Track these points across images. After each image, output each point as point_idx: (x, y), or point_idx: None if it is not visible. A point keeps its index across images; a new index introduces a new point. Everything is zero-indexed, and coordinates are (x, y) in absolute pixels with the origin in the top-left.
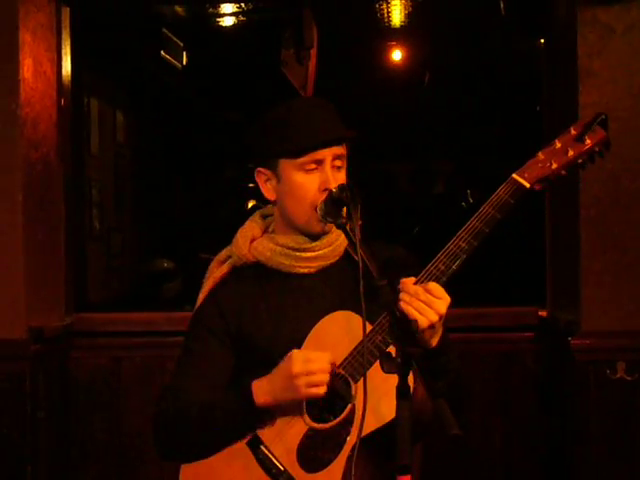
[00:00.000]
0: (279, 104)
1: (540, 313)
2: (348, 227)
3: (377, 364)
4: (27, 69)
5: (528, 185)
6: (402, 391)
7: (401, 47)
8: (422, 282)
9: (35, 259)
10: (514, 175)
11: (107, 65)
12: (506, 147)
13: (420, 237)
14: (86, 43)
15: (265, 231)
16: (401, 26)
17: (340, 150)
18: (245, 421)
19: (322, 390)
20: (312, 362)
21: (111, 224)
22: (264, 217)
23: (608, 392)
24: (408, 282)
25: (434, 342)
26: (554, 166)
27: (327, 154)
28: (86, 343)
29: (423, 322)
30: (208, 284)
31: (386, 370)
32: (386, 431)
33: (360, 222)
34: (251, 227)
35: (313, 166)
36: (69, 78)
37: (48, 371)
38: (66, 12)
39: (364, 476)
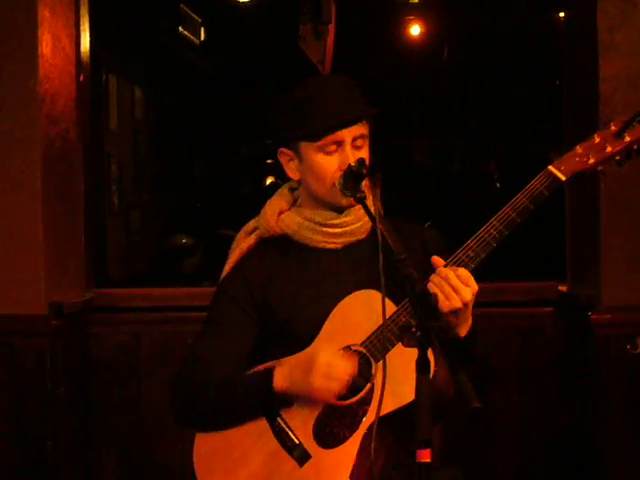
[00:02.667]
0: (297, 83)
1: (560, 288)
2: (367, 201)
3: (399, 346)
4: (46, 45)
5: (564, 178)
6: (422, 365)
7: (419, 22)
8: (451, 266)
9: (55, 235)
10: (550, 167)
11: (125, 41)
12: (525, 121)
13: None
14: (104, 19)
15: (293, 204)
16: (419, 1)
17: (360, 130)
18: (263, 402)
19: (333, 399)
20: (334, 368)
21: (130, 200)
22: (292, 190)
23: (628, 367)
24: (437, 263)
25: (463, 332)
26: (591, 161)
27: (346, 134)
28: (106, 318)
29: (447, 306)
30: (235, 254)
31: (406, 344)
32: (404, 413)
33: (379, 196)
34: (279, 200)
35: (333, 147)
36: (88, 54)
37: (68, 347)
38: None
39: (380, 455)
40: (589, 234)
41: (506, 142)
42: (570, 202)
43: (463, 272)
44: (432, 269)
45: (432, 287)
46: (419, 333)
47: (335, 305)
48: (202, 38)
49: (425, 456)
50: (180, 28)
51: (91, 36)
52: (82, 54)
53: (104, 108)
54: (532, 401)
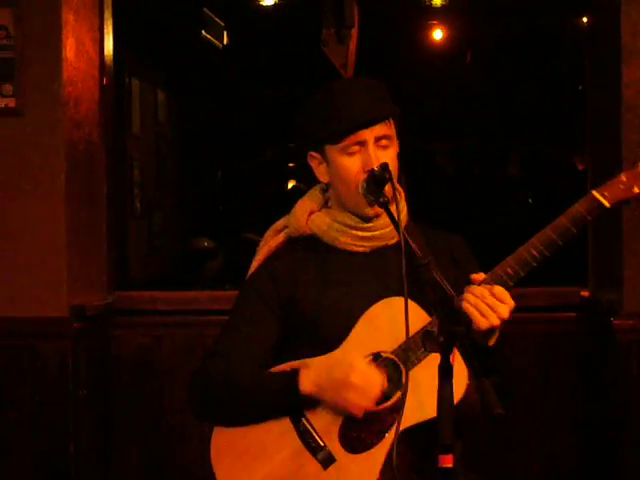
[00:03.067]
0: (322, 87)
1: (582, 293)
2: (391, 206)
3: (431, 356)
4: (70, 49)
5: (609, 205)
6: (444, 370)
7: (442, 26)
8: (488, 284)
9: (77, 238)
10: (594, 192)
11: (149, 45)
12: (549, 126)
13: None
14: (128, 23)
15: (324, 206)
16: (442, 5)
17: (383, 130)
18: (287, 403)
19: (361, 414)
20: (369, 385)
21: (152, 203)
22: (324, 191)
23: None
24: (475, 279)
25: (491, 342)
26: (636, 190)
27: (368, 134)
28: (127, 321)
29: (484, 324)
30: (263, 252)
31: (429, 349)
32: (431, 425)
33: (406, 201)
34: (310, 200)
35: (356, 148)
36: (111, 58)
37: (89, 349)
38: None
39: (403, 466)
40: (612, 239)
41: (529, 146)
42: None
43: (499, 290)
44: (463, 279)
45: (467, 307)
46: (442, 338)
47: (361, 308)
48: (225, 42)
49: (447, 461)
50: (203, 32)
51: (115, 40)
52: (106, 58)
53: (127, 111)
54: (554, 406)
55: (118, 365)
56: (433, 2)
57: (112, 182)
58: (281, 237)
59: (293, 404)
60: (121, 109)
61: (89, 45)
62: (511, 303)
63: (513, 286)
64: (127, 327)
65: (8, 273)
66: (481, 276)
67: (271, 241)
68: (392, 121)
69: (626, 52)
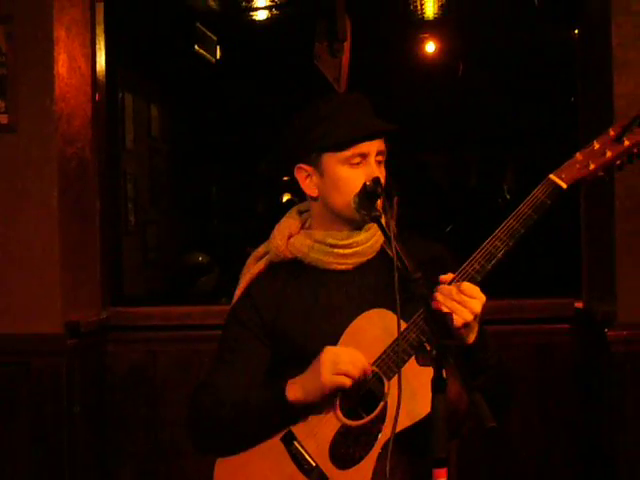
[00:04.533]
0: (315, 101)
1: (576, 304)
2: (383, 220)
3: (410, 362)
4: (62, 65)
5: (565, 186)
6: (437, 384)
7: (434, 39)
8: (458, 281)
9: (71, 254)
10: (551, 176)
11: (141, 60)
12: (541, 138)
13: (453, 234)
14: (120, 38)
15: (302, 227)
16: (434, 18)
17: (382, 146)
18: (277, 416)
19: (347, 382)
20: (342, 353)
21: (146, 218)
22: (300, 213)
23: None
24: (443, 280)
25: (470, 339)
26: (592, 167)
27: (372, 148)
28: (122, 337)
29: (457, 321)
30: (245, 280)
31: (421, 363)
32: (419, 429)
33: (395, 215)
34: (288, 223)
35: (358, 159)
36: (103, 73)
37: (84, 366)
38: (100, 7)
39: (396, 474)
40: (604, 250)
41: (523, 158)
42: (585, 218)
43: (467, 286)
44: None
45: (437, 304)
46: (434, 352)
47: (348, 324)
48: (218, 56)
49: (441, 475)
50: (196, 46)
51: (107, 55)
52: (98, 73)
53: (120, 127)
54: (549, 417)
55: (113, 381)
56: (425, 15)
57: (105, 197)
58: (262, 264)
59: (283, 413)
60: (114, 124)
61: (81, 61)
62: (481, 297)
63: (482, 280)
64: (122, 343)
65: (2, 289)
66: (450, 276)
67: (253, 268)
68: (384, 139)
69: (617, 63)
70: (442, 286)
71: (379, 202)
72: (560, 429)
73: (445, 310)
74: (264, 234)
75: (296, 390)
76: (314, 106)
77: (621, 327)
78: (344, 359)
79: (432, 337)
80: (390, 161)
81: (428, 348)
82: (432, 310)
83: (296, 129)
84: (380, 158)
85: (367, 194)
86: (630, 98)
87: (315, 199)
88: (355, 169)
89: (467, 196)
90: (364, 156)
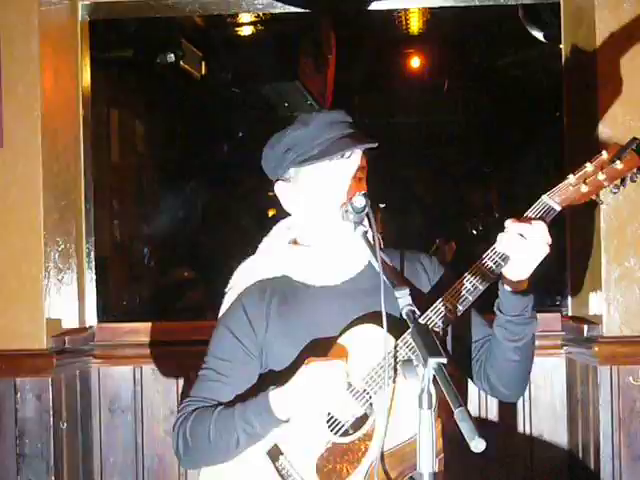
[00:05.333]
0: (296, 119)
1: (562, 318)
2: (369, 235)
3: (400, 379)
4: (47, 81)
5: (559, 208)
6: (424, 400)
7: (419, 54)
8: (467, 279)
9: (57, 270)
10: (545, 197)
11: (127, 76)
12: (526, 152)
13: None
14: (106, 54)
15: (290, 242)
16: (419, 33)
17: (363, 161)
18: (262, 422)
19: (336, 386)
20: (326, 365)
21: (132, 234)
22: (288, 228)
23: (631, 398)
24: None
25: (525, 284)
26: (585, 190)
27: (353, 160)
28: (108, 353)
29: (539, 252)
30: (232, 294)
31: (407, 378)
32: (407, 448)
33: (380, 231)
34: (276, 238)
35: (335, 178)
36: (89, 89)
37: (70, 382)
38: (86, 24)
39: None
40: (591, 265)
41: (507, 173)
42: (571, 234)
43: (538, 223)
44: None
45: (515, 240)
46: (421, 367)
47: (336, 337)
48: (203, 72)
49: None
50: (181, 62)
51: (92, 71)
52: (83, 89)
53: (106, 143)
54: (535, 430)
55: (99, 397)
56: (410, 31)
57: (91, 213)
58: (250, 278)
59: (268, 421)
60: (99, 140)
61: (67, 77)
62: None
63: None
64: (108, 359)
65: None
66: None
67: (240, 283)
68: (365, 155)
69: (602, 78)
70: (512, 224)
71: (365, 217)
72: (546, 442)
73: (522, 246)
74: (249, 249)
75: (280, 398)
76: (295, 122)
77: (607, 342)
78: (327, 364)
79: (420, 353)
80: (376, 176)
81: (415, 363)
82: (420, 326)
83: (276, 146)
84: (361, 174)
85: (353, 209)
86: (614, 114)
87: (296, 214)
88: (339, 177)
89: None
90: (341, 174)
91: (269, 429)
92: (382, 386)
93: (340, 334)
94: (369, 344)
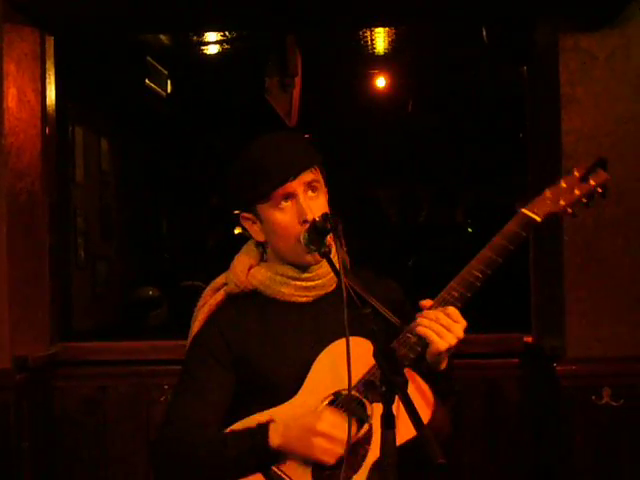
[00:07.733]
0: (247, 146)
1: (525, 339)
2: (333, 254)
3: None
4: (11, 99)
5: (540, 219)
6: (386, 420)
7: (385, 74)
8: (437, 307)
9: (19, 288)
10: (524, 210)
11: (92, 93)
12: (490, 173)
13: (415, 267)
14: (70, 72)
15: (261, 259)
16: (385, 54)
17: (309, 176)
18: (258, 460)
19: (333, 461)
20: (337, 430)
21: (96, 253)
22: (258, 245)
23: (594, 418)
24: (424, 305)
25: (443, 365)
26: (562, 203)
27: (296, 186)
28: (71, 372)
29: (442, 345)
30: (204, 311)
31: (371, 399)
32: (403, 450)
33: (344, 250)
34: (247, 255)
35: (287, 202)
36: (53, 107)
37: (32, 401)
38: (50, 41)
39: None
40: (553, 285)
41: (473, 193)
42: (534, 253)
43: (452, 310)
44: (409, 316)
45: (422, 329)
46: (384, 388)
47: (310, 357)
48: (169, 90)
49: None
50: (147, 80)
51: (57, 89)
52: (48, 107)
53: (70, 161)
54: (499, 452)
55: (62, 417)
56: (376, 51)
57: (55, 232)
58: (221, 295)
59: (264, 459)
60: (64, 158)
61: (31, 95)
62: (464, 322)
63: (462, 308)
64: (71, 378)
65: None
66: (429, 302)
67: (211, 299)
68: (317, 168)
69: (565, 100)
70: (427, 311)
71: (329, 237)
72: (510, 463)
73: (431, 335)
74: (215, 268)
75: (279, 439)
76: (243, 153)
77: (570, 362)
78: (339, 436)
79: (381, 373)
80: (340, 197)
81: (377, 384)
82: (381, 346)
83: (230, 181)
84: (311, 192)
85: (317, 230)
86: (577, 134)
87: (265, 243)
88: (286, 211)
89: (418, 230)
90: (291, 196)
91: (263, 460)
92: (374, 394)
93: (312, 350)
94: (355, 356)
